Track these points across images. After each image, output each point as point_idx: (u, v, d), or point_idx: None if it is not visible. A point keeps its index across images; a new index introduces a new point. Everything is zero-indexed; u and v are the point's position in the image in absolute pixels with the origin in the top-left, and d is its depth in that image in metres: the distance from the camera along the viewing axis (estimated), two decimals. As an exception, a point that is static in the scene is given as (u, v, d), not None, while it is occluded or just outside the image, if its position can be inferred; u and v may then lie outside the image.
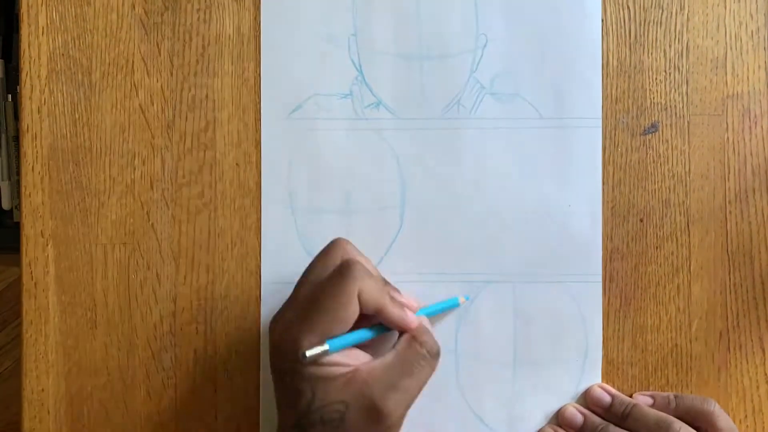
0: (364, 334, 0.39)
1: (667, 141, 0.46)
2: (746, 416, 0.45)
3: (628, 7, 0.46)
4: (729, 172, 0.46)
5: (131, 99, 0.46)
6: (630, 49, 0.46)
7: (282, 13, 0.46)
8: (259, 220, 0.46)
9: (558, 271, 0.46)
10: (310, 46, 0.46)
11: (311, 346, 0.37)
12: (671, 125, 0.46)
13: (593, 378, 0.45)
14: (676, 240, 0.46)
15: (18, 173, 0.65)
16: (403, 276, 0.46)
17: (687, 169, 0.46)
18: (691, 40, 0.46)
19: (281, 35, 0.46)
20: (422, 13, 0.46)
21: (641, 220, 0.46)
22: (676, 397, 0.44)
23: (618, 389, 0.45)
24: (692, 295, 0.46)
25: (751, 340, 0.46)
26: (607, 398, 0.45)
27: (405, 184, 0.46)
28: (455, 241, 0.46)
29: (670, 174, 0.46)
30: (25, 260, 0.46)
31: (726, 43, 0.46)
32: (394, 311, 0.39)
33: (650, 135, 0.46)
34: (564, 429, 0.45)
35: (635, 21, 0.46)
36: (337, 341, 0.38)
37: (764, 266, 0.46)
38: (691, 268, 0.46)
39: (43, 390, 0.46)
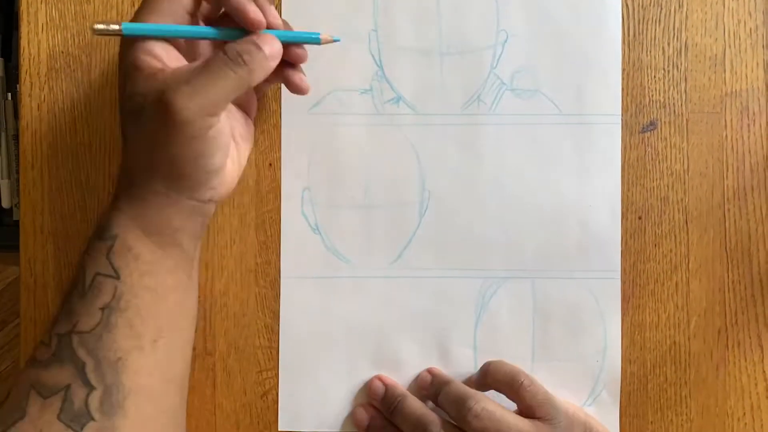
0: (190, 30, 0.38)
1: (666, 139, 0.46)
2: (744, 413, 0.46)
3: (627, 5, 0.46)
4: (727, 170, 0.46)
5: (131, 97, 0.46)
6: (628, 46, 0.46)
7: (303, 8, 0.46)
8: (258, 217, 0.46)
9: (577, 266, 0.46)
10: None
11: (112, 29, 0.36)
12: (670, 123, 0.46)
13: (613, 374, 0.45)
14: (675, 237, 0.46)
15: (18, 171, 0.65)
16: (421, 271, 0.46)
17: (685, 166, 0.46)
18: (689, 38, 0.46)
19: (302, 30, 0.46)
20: (442, 9, 0.46)
21: (640, 218, 0.46)
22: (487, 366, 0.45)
23: (616, 387, 0.45)
24: (691, 293, 0.46)
25: (750, 338, 0.46)
26: (381, 389, 0.45)
27: (424, 180, 0.46)
28: (474, 237, 0.46)
29: (669, 172, 0.46)
30: (24, 258, 0.46)
31: (724, 41, 0.46)
32: None
33: (649, 133, 0.46)
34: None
35: (634, 19, 0.46)
36: (141, 27, 0.36)
37: (762, 264, 0.46)
38: (690, 265, 0.46)
39: (42, 387, 0.46)
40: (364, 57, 0.46)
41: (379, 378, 0.46)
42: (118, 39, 0.38)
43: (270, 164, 0.46)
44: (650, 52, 0.46)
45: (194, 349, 0.46)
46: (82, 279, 0.37)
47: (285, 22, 0.40)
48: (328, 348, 0.46)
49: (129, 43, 0.37)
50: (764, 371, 0.46)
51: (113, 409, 0.36)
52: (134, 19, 0.37)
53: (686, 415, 0.46)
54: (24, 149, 0.46)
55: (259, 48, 0.37)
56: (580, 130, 0.46)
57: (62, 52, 0.46)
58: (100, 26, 0.36)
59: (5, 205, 0.82)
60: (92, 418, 0.36)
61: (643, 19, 0.46)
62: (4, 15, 0.88)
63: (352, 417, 0.46)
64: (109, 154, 0.47)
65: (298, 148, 0.46)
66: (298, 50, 0.40)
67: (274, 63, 0.38)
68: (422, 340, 0.46)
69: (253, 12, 0.38)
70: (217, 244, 0.46)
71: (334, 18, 0.46)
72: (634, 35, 0.46)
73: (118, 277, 0.37)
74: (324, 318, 0.46)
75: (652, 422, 0.46)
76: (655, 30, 0.46)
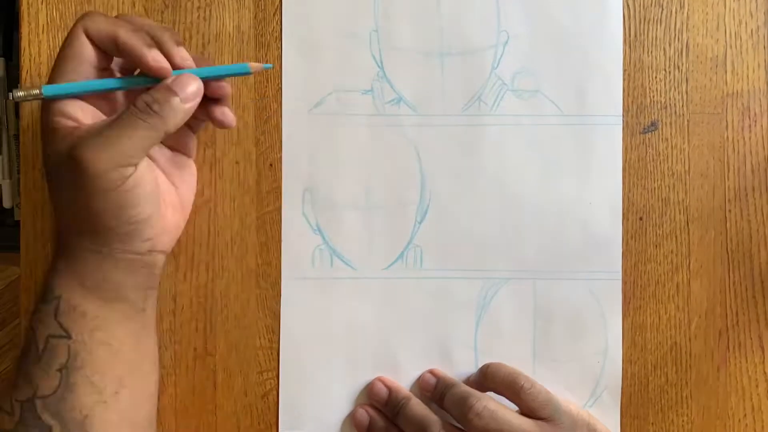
0: (97, 84, 0.38)
1: (667, 139, 0.46)
2: (745, 415, 0.45)
3: (628, 5, 0.46)
4: (728, 171, 0.46)
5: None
6: (630, 47, 0.46)
7: (303, 9, 0.46)
8: (258, 218, 0.46)
9: (578, 267, 0.46)
10: (332, 42, 0.46)
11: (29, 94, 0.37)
12: (671, 124, 0.46)
13: (613, 375, 0.45)
14: (676, 238, 0.46)
15: (18, 172, 0.65)
16: (422, 272, 0.46)
17: (686, 167, 0.46)
18: (690, 39, 0.46)
19: (303, 31, 0.46)
20: (443, 10, 0.46)
21: (641, 219, 0.46)
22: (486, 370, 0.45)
23: (617, 388, 0.45)
24: (692, 294, 0.46)
25: (751, 339, 0.46)
26: (384, 391, 0.45)
27: (425, 180, 0.46)
28: (475, 238, 0.46)
29: (670, 172, 0.46)
30: (24, 259, 0.46)
31: (726, 42, 0.46)
32: (131, 41, 0.36)
33: (650, 133, 0.46)
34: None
35: (635, 19, 0.46)
36: (60, 87, 0.37)
37: (763, 265, 0.46)
38: (691, 266, 0.46)
39: (43, 388, 0.46)
40: (364, 58, 0.46)
41: (381, 380, 0.45)
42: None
43: (271, 165, 0.46)
44: (651, 52, 0.46)
45: (195, 349, 0.46)
46: (35, 343, 0.37)
47: (200, 56, 0.40)
48: (329, 349, 0.46)
49: (45, 107, 0.38)
50: (765, 372, 0.46)
51: None
52: (51, 77, 0.38)
53: (687, 416, 0.46)
54: (25, 150, 0.46)
55: (172, 94, 0.36)
56: (581, 131, 0.46)
57: (63, 53, 0.46)
58: (20, 93, 0.37)
59: (6, 205, 0.82)
60: None
61: (644, 19, 0.46)
62: (5, 15, 0.88)
63: (352, 418, 0.46)
64: (110, 155, 0.46)
65: (299, 149, 0.46)
66: (217, 84, 0.39)
67: (191, 105, 0.37)
68: (423, 341, 0.46)
69: (153, 59, 0.36)
70: (217, 245, 0.46)
71: (335, 19, 0.46)
72: (635, 36, 0.46)
73: (69, 337, 0.37)
74: (325, 319, 0.46)
75: (653, 423, 0.46)
76: (657, 30, 0.46)
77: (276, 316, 0.46)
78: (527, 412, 0.42)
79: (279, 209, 0.46)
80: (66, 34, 0.38)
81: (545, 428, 0.42)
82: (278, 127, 0.46)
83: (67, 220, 0.38)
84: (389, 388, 0.45)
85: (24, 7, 0.46)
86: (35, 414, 0.36)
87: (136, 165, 0.36)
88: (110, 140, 0.35)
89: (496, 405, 0.42)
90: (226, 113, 0.40)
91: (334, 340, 0.46)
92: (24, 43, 0.46)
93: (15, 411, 0.37)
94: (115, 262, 0.38)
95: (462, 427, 0.43)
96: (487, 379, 0.44)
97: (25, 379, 0.37)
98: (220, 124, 0.40)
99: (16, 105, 0.83)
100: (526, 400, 0.42)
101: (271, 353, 0.46)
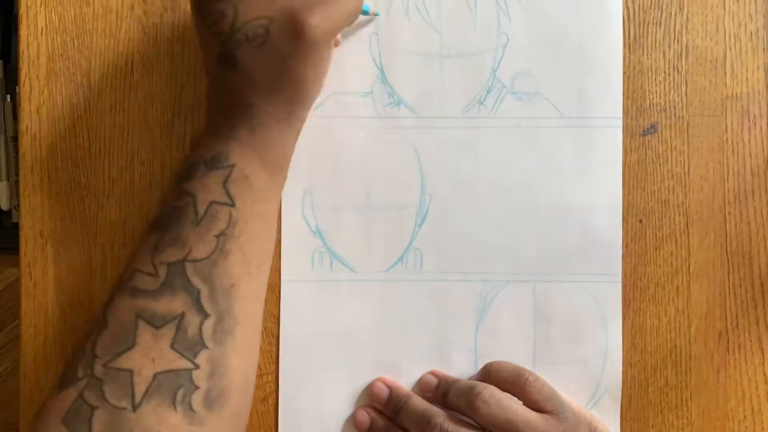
0: None
1: (667, 142, 0.46)
2: (745, 417, 0.46)
3: (628, 8, 0.46)
4: (728, 173, 0.46)
5: (130, 100, 0.46)
6: (629, 49, 0.46)
7: None
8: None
9: (578, 270, 0.46)
10: None
11: None
12: (670, 126, 0.46)
13: (613, 377, 0.45)
14: (676, 241, 0.46)
15: (17, 174, 0.65)
16: (422, 275, 0.46)
17: (686, 169, 0.46)
18: (690, 41, 0.46)
19: None
20: (443, 12, 0.46)
21: (640, 221, 0.46)
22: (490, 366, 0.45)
23: (617, 390, 0.45)
24: (691, 296, 0.46)
25: (750, 341, 0.46)
26: (385, 391, 0.45)
27: (425, 183, 0.46)
28: (475, 240, 0.46)
29: (670, 175, 0.46)
30: (24, 261, 0.46)
31: (725, 44, 0.46)
32: None
33: (649, 136, 0.46)
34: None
35: (634, 21, 0.46)
36: None
37: (763, 267, 0.46)
38: (691, 269, 0.46)
39: (42, 391, 0.46)
40: (365, 60, 0.46)
41: (382, 380, 0.45)
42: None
43: (270, 167, 0.46)
44: (651, 54, 0.46)
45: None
46: (194, 207, 0.37)
47: None
48: (329, 351, 0.46)
49: None
50: (765, 374, 0.46)
51: (225, 336, 0.36)
52: None
53: (687, 418, 0.46)
54: (23, 152, 0.46)
55: None
56: (581, 133, 0.46)
57: (61, 56, 0.46)
58: None
59: (4, 207, 0.82)
60: (205, 346, 0.36)
61: (644, 21, 0.46)
62: (4, 17, 0.88)
63: (352, 419, 0.45)
64: (109, 157, 0.46)
65: (299, 151, 0.46)
66: None
67: None
68: (423, 343, 0.46)
69: None
70: (217, 247, 0.46)
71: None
72: (635, 38, 0.46)
73: (233, 205, 0.38)
74: (324, 321, 0.46)
75: (653, 426, 0.46)
76: (656, 33, 0.46)
77: (275, 319, 0.46)
78: (531, 405, 0.43)
79: (278, 211, 0.46)
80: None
81: (549, 421, 0.42)
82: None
83: (263, 87, 0.38)
84: (390, 388, 0.45)
85: (23, 9, 0.46)
86: (184, 276, 0.36)
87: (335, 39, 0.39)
88: (330, 11, 0.37)
89: (501, 394, 0.42)
90: None
91: (333, 343, 0.46)
92: (23, 46, 0.46)
93: (160, 272, 0.36)
94: (294, 133, 0.40)
95: (465, 419, 0.43)
96: (491, 375, 0.44)
97: (175, 241, 0.37)
98: None
99: (14, 107, 0.83)
100: (531, 392, 0.43)
101: (271, 356, 0.46)
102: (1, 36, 0.87)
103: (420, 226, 0.46)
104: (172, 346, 0.35)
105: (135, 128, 0.46)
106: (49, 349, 0.46)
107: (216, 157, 0.38)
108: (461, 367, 0.46)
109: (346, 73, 0.46)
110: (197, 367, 0.35)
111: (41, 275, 0.46)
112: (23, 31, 0.46)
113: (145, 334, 0.35)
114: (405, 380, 0.46)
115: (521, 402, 0.43)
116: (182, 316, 0.36)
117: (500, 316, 0.46)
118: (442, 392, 0.44)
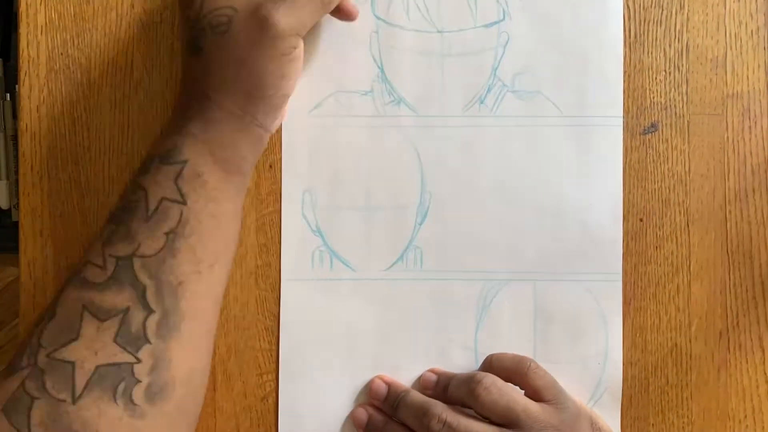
0: None
1: (667, 140, 0.46)
2: (746, 416, 0.45)
3: (628, 7, 0.46)
4: (729, 172, 0.46)
5: (130, 99, 0.46)
6: (630, 48, 0.46)
7: None
8: (258, 219, 0.46)
9: (578, 269, 0.46)
10: (332, 42, 0.46)
11: None
12: (671, 125, 0.46)
13: (614, 376, 0.45)
14: (676, 240, 0.46)
15: (16, 172, 0.65)
16: (422, 273, 0.46)
17: (687, 168, 0.46)
18: (690, 40, 0.46)
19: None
20: (443, 11, 0.46)
21: (641, 220, 0.46)
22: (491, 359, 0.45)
23: (618, 389, 0.45)
24: (692, 295, 0.46)
25: (751, 340, 0.46)
26: (384, 388, 0.45)
27: (425, 182, 0.46)
28: (475, 239, 0.46)
29: (670, 173, 0.46)
30: (23, 260, 0.46)
31: (726, 43, 0.46)
32: None
33: (650, 134, 0.46)
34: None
35: (635, 20, 0.46)
36: None
37: (764, 266, 0.46)
38: (691, 267, 0.46)
39: (41, 390, 0.46)
40: (365, 59, 0.46)
41: (380, 377, 0.45)
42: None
43: (270, 166, 0.46)
44: (651, 53, 0.46)
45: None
46: (145, 202, 0.37)
47: None
48: (329, 350, 0.46)
49: None
50: (766, 373, 0.46)
51: (169, 333, 0.37)
52: None
53: (687, 417, 0.46)
54: (23, 151, 0.46)
55: None
56: (582, 132, 0.46)
57: (61, 54, 0.46)
58: None
59: (4, 206, 0.82)
60: (148, 341, 0.36)
61: (645, 20, 0.46)
62: (4, 16, 0.88)
63: (351, 417, 0.45)
64: (109, 156, 0.46)
65: (299, 150, 0.46)
66: None
67: None
68: (423, 342, 0.46)
69: None
70: (217, 246, 0.46)
71: (335, 19, 0.46)
72: (636, 37, 0.46)
73: (184, 203, 0.38)
74: (324, 320, 0.46)
75: (653, 425, 0.46)
76: (657, 31, 0.46)
77: (276, 318, 0.46)
78: (532, 393, 0.43)
79: (279, 211, 0.46)
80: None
81: (549, 410, 0.42)
82: (278, 129, 0.46)
83: (221, 78, 0.38)
84: (388, 384, 0.45)
85: (23, 8, 0.46)
86: (131, 272, 0.36)
87: (303, 37, 0.38)
88: (295, 6, 0.37)
89: (503, 382, 0.42)
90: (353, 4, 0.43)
91: (333, 342, 0.46)
92: (22, 44, 0.46)
93: (108, 266, 0.37)
94: (249, 134, 0.39)
95: (465, 410, 0.43)
96: (492, 365, 0.45)
97: (125, 236, 0.37)
98: (348, 15, 0.43)
99: (14, 106, 0.83)
100: (533, 378, 0.43)
101: (271, 355, 0.46)
102: (1, 34, 0.87)
103: (420, 224, 0.46)
104: (115, 340, 0.36)
105: (135, 127, 0.46)
106: (48, 348, 0.46)
107: (170, 151, 0.38)
108: (461, 366, 0.46)
109: (345, 72, 0.46)
110: (139, 361, 0.36)
111: (41, 275, 0.46)
112: (23, 30, 0.46)
113: (89, 326, 0.36)
114: (405, 379, 0.46)
115: (522, 392, 0.43)
116: (127, 310, 0.36)
117: (500, 314, 0.46)
118: (442, 387, 0.44)
